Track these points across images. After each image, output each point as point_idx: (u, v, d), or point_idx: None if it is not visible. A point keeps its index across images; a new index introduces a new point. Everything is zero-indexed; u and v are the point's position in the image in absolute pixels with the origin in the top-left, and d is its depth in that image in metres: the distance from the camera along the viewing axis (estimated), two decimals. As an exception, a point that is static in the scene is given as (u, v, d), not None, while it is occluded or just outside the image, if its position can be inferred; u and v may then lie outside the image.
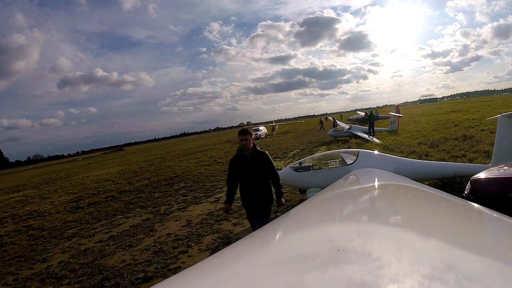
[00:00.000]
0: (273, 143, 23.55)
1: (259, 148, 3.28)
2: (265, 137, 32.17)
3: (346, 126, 19.60)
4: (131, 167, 20.83)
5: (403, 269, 0.90)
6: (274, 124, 40.76)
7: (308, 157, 7.02)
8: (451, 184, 5.68)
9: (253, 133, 3.24)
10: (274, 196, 3.46)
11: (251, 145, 3.18)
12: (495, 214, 1.44)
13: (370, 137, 15.06)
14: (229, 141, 35.27)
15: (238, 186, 3.37)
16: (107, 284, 3.98)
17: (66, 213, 8.96)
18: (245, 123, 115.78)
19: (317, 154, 7.56)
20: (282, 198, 3.48)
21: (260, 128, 34.21)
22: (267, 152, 3.27)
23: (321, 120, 34.99)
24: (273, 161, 3.33)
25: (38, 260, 5.34)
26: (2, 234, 7.56)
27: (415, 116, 30.30)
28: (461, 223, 1.45)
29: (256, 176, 3.21)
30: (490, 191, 3.55)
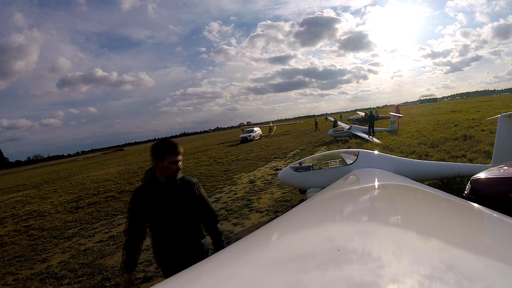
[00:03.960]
0: (273, 143, 23.55)
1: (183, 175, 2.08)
2: (260, 138, 30.90)
3: (346, 126, 19.61)
4: (131, 167, 20.83)
5: (403, 269, 0.90)
6: (271, 124, 39.46)
7: (308, 157, 7.02)
8: (451, 184, 5.68)
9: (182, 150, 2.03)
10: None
11: (181, 168, 2.02)
12: (495, 214, 1.44)
13: (370, 137, 15.07)
14: (222, 143, 35.26)
15: (150, 237, 2.08)
16: (107, 284, 3.98)
17: (66, 213, 8.97)
18: (245, 123, 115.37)
19: (317, 154, 7.56)
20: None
21: (255, 129, 32.62)
22: (194, 180, 2.10)
23: (316, 121, 34.95)
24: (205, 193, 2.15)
25: (38, 260, 5.34)
26: (2, 234, 7.56)
27: (415, 116, 30.30)
28: (461, 223, 1.45)
29: (179, 220, 1.98)
30: (490, 191, 3.55)
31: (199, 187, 2.10)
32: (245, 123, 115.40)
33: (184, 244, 2.01)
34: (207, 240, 2.16)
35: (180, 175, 2.02)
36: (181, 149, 2.01)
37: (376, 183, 3.22)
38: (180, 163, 1.99)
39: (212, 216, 2.14)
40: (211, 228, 2.14)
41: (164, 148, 1.95)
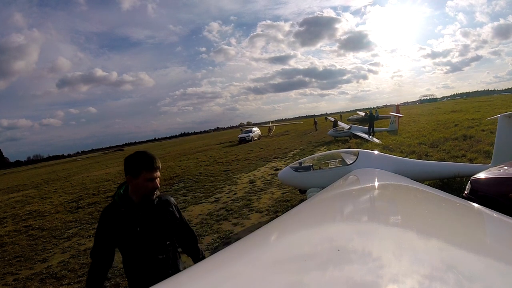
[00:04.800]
0: (273, 143, 23.56)
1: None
2: (258, 139, 30.27)
3: (346, 126, 19.63)
4: (131, 167, 20.81)
5: (403, 269, 0.90)
6: (271, 125, 38.60)
7: (308, 157, 7.02)
8: (451, 184, 5.68)
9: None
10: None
11: (158, 186, 1.76)
12: (495, 214, 1.44)
13: (370, 137, 15.08)
14: (222, 143, 35.26)
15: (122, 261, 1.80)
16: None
17: (66, 213, 8.97)
18: (245, 123, 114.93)
19: (317, 154, 7.56)
20: None
21: (254, 129, 32.02)
22: (173, 199, 1.90)
23: (315, 121, 34.87)
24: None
25: (38, 260, 5.34)
26: (2, 234, 7.57)
27: (415, 116, 30.31)
28: (461, 223, 1.45)
29: (156, 244, 1.76)
30: (490, 191, 3.55)
31: (176, 206, 1.89)
32: (245, 123, 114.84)
33: (161, 269, 1.77)
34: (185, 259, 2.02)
35: (157, 193, 1.77)
36: (159, 164, 1.73)
37: (376, 183, 3.22)
38: (157, 180, 1.72)
39: (192, 236, 1.96)
40: (192, 248, 1.97)
41: (139, 163, 1.67)
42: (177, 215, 1.86)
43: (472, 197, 3.60)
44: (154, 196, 1.75)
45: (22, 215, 9.73)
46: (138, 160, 1.69)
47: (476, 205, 1.68)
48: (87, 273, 1.83)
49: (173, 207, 1.86)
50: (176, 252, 1.88)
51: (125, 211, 1.70)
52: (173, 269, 1.81)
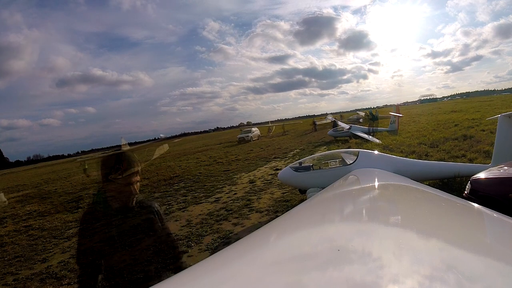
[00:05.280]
0: (272, 143, 23.56)
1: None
2: (258, 139, 29.91)
3: (346, 126, 19.64)
4: (131, 167, 20.81)
5: (403, 269, 0.89)
6: (270, 125, 38.16)
7: (308, 157, 7.03)
8: (451, 184, 5.69)
9: (140, 164, 1.59)
10: None
11: (137, 192, 1.57)
12: (495, 214, 1.44)
13: (370, 137, 15.09)
14: (222, 143, 35.26)
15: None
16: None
17: (66, 213, 8.97)
18: (245, 123, 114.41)
19: (317, 154, 7.56)
20: None
21: (253, 129, 31.73)
22: (156, 205, 1.72)
23: (314, 121, 34.86)
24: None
25: (38, 260, 5.34)
26: (2, 234, 7.57)
27: (415, 116, 30.32)
28: (461, 223, 1.45)
29: (136, 253, 1.68)
30: (490, 191, 3.55)
31: (160, 214, 1.69)
32: (245, 123, 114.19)
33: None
34: None
35: (138, 197, 1.61)
36: (139, 167, 1.57)
37: (376, 183, 3.22)
38: (136, 185, 1.56)
39: (172, 251, 1.79)
40: (172, 262, 1.78)
41: (115, 166, 1.50)
42: (158, 223, 1.66)
43: (472, 197, 3.60)
44: (133, 202, 1.58)
45: (22, 215, 9.73)
46: (115, 163, 1.52)
47: (476, 205, 1.68)
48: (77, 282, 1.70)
49: (155, 214, 1.66)
50: (158, 262, 1.72)
51: (103, 217, 1.58)
52: (156, 281, 1.59)
